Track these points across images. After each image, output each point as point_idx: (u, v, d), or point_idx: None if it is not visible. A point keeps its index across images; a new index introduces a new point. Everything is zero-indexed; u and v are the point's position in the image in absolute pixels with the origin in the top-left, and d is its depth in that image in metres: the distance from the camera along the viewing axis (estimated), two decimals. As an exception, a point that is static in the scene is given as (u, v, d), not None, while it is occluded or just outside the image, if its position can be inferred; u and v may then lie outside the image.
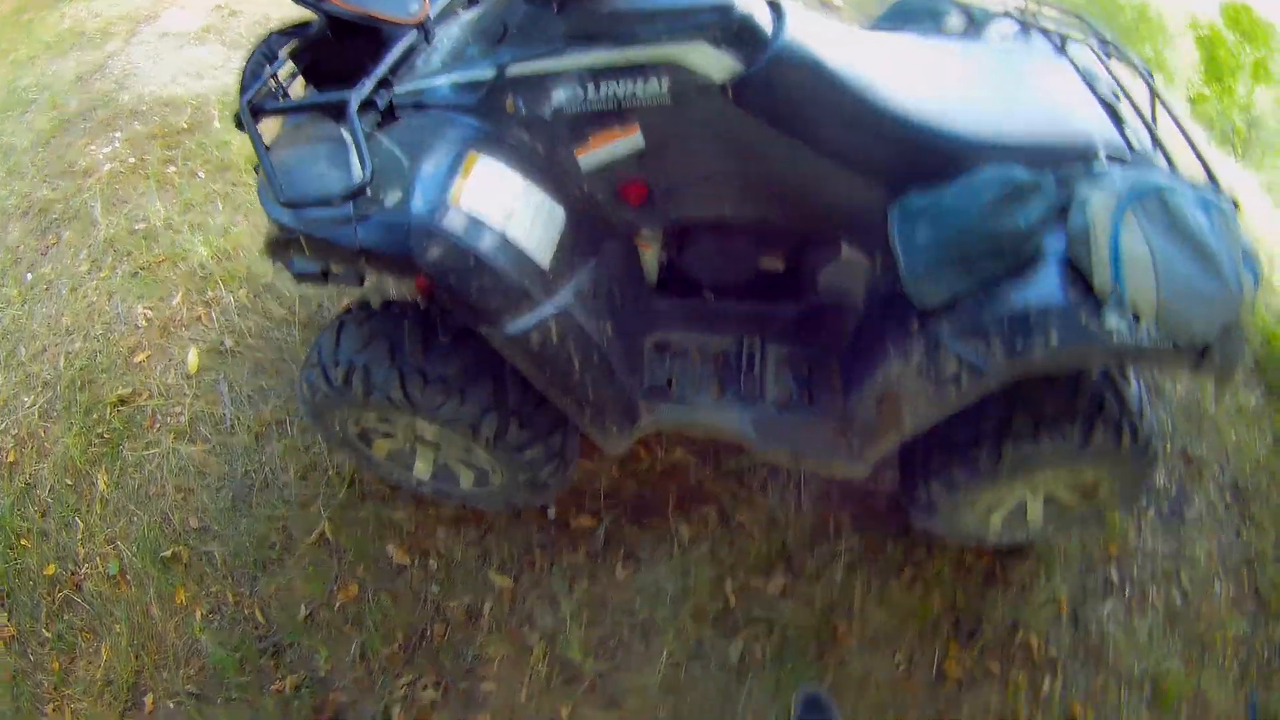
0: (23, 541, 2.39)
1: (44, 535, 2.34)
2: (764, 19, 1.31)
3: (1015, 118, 1.39)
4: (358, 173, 1.17)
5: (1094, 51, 1.68)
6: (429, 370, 1.38)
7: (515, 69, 1.29)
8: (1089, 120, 1.41)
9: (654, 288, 1.62)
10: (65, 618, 2.25)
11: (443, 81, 1.34)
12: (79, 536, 2.23)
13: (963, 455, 1.45)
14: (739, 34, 1.26)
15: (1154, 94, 1.60)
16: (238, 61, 3.19)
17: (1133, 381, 1.43)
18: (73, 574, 2.25)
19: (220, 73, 3.13)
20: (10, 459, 2.44)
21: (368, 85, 1.27)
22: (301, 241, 1.22)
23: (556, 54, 1.27)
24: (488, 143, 1.29)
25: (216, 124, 2.83)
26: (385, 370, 1.38)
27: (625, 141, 1.34)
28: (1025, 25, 1.78)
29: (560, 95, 1.29)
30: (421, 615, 1.75)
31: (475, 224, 1.20)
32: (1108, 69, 1.63)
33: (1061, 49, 1.71)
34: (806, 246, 1.60)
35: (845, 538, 1.74)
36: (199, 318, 2.21)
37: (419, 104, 1.33)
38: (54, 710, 2.28)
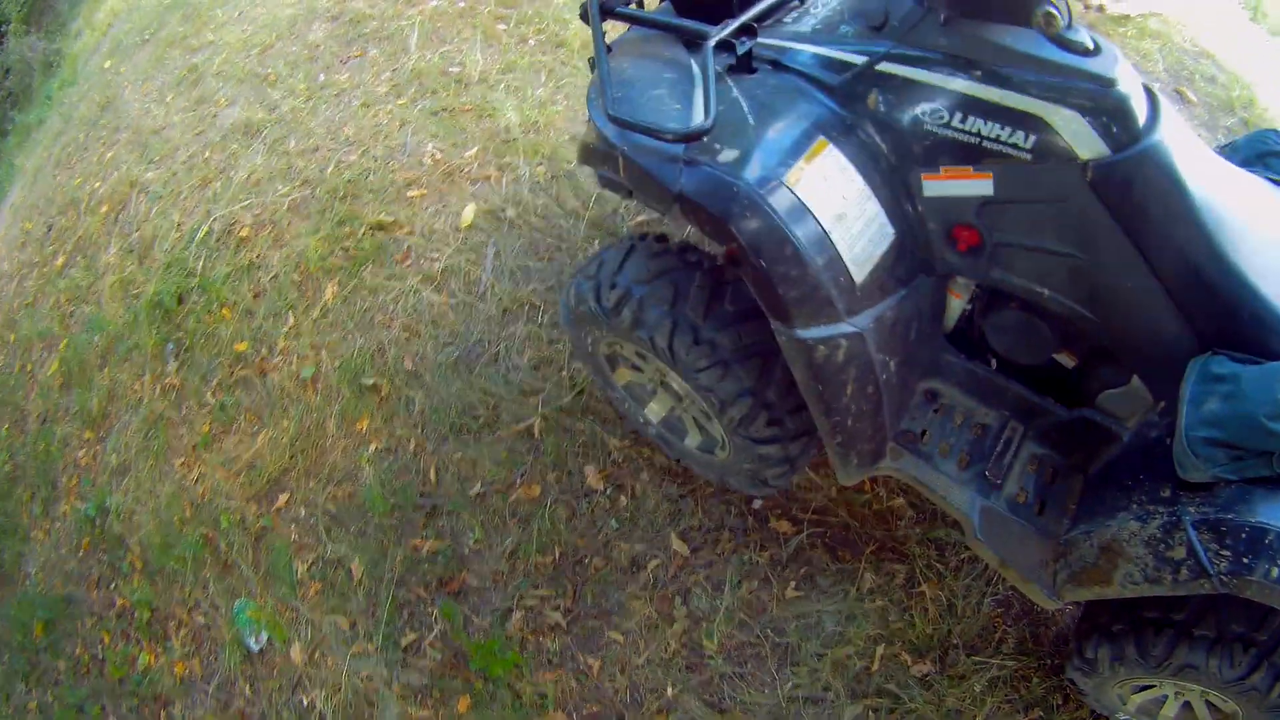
0: (224, 311, 2.45)
1: (248, 314, 2.38)
2: (1140, 107, 1.23)
3: None
4: (699, 114, 1.11)
5: None
6: (703, 332, 1.33)
7: (887, 66, 1.21)
8: None
9: (946, 336, 1.60)
10: (235, 394, 2.29)
11: (808, 49, 1.26)
12: (285, 330, 2.25)
13: (1140, 637, 1.40)
14: (1113, 114, 1.19)
15: None
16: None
17: None
18: (262, 359, 2.28)
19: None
20: (244, 234, 2.53)
21: (732, 26, 1.21)
22: (619, 162, 1.18)
23: (932, 67, 1.19)
24: (839, 131, 1.21)
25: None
26: (660, 313, 1.34)
27: (974, 184, 1.29)
28: None
29: (925, 111, 1.21)
30: (588, 543, 1.76)
31: (804, 213, 1.12)
32: None
33: None
34: (1102, 360, 1.55)
35: (1002, 655, 1.72)
36: (489, 177, 2.19)
37: (777, 62, 1.26)
38: (182, 465, 2.33)
